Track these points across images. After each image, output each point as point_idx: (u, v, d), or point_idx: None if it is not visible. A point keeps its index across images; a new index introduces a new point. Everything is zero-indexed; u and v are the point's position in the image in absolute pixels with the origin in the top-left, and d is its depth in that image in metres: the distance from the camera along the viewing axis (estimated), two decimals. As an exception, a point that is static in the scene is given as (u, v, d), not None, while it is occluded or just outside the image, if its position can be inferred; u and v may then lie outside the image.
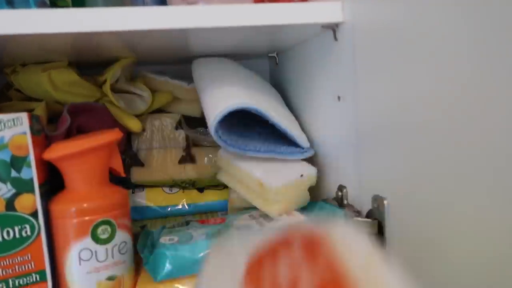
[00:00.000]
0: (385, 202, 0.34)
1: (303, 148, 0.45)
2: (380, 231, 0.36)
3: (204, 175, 0.53)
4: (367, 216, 0.38)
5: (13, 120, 0.33)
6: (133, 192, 0.52)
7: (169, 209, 0.52)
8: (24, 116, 0.33)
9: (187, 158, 0.54)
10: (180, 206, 0.53)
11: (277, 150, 0.43)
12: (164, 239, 0.38)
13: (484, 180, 0.25)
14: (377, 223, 0.36)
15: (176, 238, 0.38)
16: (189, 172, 0.53)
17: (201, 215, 0.53)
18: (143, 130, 0.52)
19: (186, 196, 0.53)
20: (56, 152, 0.35)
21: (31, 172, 0.34)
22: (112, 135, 0.37)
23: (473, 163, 0.25)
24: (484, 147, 0.24)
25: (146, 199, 0.52)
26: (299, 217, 0.43)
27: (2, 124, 0.32)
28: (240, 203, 0.48)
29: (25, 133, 0.33)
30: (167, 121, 0.53)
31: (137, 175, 0.52)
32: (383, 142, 0.34)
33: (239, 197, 0.47)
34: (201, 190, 0.54)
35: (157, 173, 0.52)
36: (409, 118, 0.30)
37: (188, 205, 0.53)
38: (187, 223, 0.43)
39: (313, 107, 0.47)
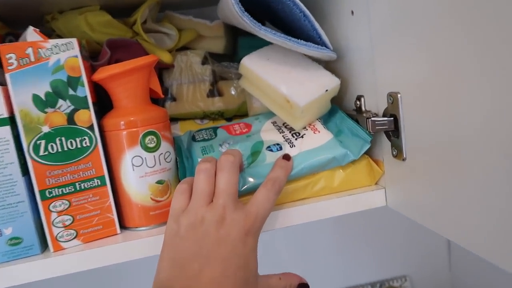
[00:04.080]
0: (398, 95, 0.38)
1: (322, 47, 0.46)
2: (396, 126, 0.40)
3: (231, 106, 0.58)
4: (384, 115, 0.42)
5: (66, 44, 0.37)
6: (168, 125, 0.57)
7: (202, 138, 0.57)
8: (74, 41, 0.38)
9: (215, 91, 0.58)
10: (211, 136, 0.58)
11: (293, 40, 0.43)
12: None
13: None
14: (393, 120, 0.40)
15: None
16: (217, 104, 0.57)
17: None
18: (173, 66, 0.56)
19: (216, 126, 0.58)
20: (104, 73, 0.39)
21: (85, 91, 0.39)
22: (150, 58, 0.41)
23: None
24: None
25: (180, 130, 0.57)
26: (322, 130, 0.47)
27: (58, 48, 0.37)
28: (262, 111, 0.53)
29: (76, 56, 0.38)
30: (194, 58, 0.57)
31: (171, 109, 0.57)
32: (395, 47, 0.38)
33: (262, 106, 0.51)
34: (229, 119, 0.59)
35: (188, 106, 0.57)
36: (418, 22, 0.33)
37: (219, 133, 0.58)
38: (215, 132, 0.48)
39: (329, 25, 0.50)
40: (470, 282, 0.81)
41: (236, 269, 0.33)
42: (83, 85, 0.38)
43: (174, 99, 0.57)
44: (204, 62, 0.58)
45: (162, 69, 0.57)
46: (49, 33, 0.55)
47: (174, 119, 0.58)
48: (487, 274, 0.76)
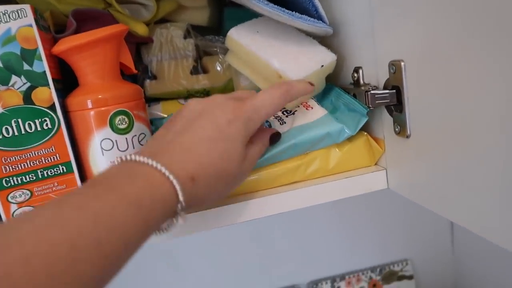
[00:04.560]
0: (402, 63, 0.33)
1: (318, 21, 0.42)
2: (399, 100, 0.35)
3: (217, 83, 0.53)
4: (385, 88, 0.37)
5: (17, 11, 0.32)
6: (149, 106, 0.52)
7: (186, 119, 0.53)
8: (27, 8, 0.33)
9: (199, 67, 0.53)
10: (196, 116, 0.53)
11: (288, 12, 0.39)
12: None
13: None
14: (395, 93, 0.35)
15: None
16: (202, 81, 0.53)
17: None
18: (152, 40, 0.51)
19: (202, 106, 0.53)
20: (64, 44, 0.34)
21: (43, 65, 0.34)
22: (118, 27, 0.36)
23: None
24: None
25: (162, 111, 0.52)
26: (315, 106, 0.42)
27: (7, 15, 0.32)
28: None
29: (31, 25, 0.33)
30: (175, 31, 0.52)
31: (151, 88, 0.52)
32: (398, 8, 0.33)
33: (250, 84, 0.46)
34: (216, 99, 0.54)
35: (171, 84, 0.52)
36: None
37: (204, 114, 0.53)
38: None
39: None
40: (473, 265, 0.78)
41: (213, 139, 0.29)
42: (40, 59, 0.33)
43: (154, 77, 0.52)
44: (186, 35, 0.52)
45: (140, 44, 0.52)
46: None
47: (155, 99, 0.53)
48: (491, 257, 0.72)
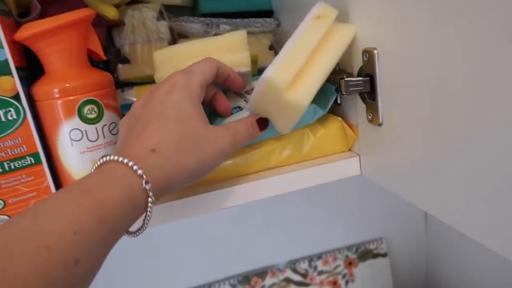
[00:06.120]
0: (375, 52, 0.33)
1: None
2: (372, 87, 0.35)
3: (192, 68, 0.52)
4: (358, 75, 0.37)
5: (-26, -5, 0.30)
6: (122, 91, 0.51)
7: (161, 104, 0.52)
8: (-16, -9, 0.31)
9: (173, 51, 0.52)
10: (172, 101, 0.52)
11: None
12: None
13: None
14: (368, 80, 0.35)
15: None
16: (177, 65, 0.51)
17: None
18: (123, 23, 0.49)
19: (177, 91, 0.52)
20: (28, 30, 0.33)
21: (5, 53, 0.32)
22: (84, 11, 0.35)
23: None
24: None
25: (136, 96, 0.51)
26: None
27: (-38, 0, 0.30)
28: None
29: (-11, 10, 0.31)
30: (147, 13, 0.50)
31: (124, 72, 0.51)
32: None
33: None
34: (191, 83, 0.53)
35: (144, 68, 0.51)
36: None
37: (179, 99, 0.52)
38: None
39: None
40: (446, 244, 0.81)
41: (159, 112, 0.29)
42: (1, 46, 0.32)
43: (127, 61, 0.51)
44: (159, 17, 0.51)
45: (111, 27, 0.50)
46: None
47: (129, 84, 0.52)
48: (462, 236, 0.75)
